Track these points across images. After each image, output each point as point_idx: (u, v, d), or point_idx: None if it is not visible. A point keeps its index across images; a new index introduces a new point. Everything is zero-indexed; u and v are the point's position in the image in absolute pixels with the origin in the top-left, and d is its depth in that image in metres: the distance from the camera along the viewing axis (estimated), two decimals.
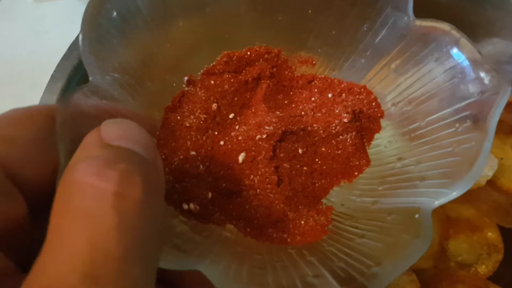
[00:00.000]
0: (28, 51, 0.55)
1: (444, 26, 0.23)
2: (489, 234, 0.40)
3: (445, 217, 0.40)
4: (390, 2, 0.25)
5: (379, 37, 0.26)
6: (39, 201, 0.19)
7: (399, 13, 0.25)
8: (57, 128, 0.19)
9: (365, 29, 0.27)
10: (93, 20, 0.23)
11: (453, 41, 0.23)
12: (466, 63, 0.22)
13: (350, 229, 0.23)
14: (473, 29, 0.43)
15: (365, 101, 0.27)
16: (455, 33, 0.23)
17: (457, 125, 0.22)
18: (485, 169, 0.39)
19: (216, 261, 0.20)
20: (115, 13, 0.23)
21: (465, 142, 0.21)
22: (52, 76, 0.35)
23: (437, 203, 0.20)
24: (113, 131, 0.17)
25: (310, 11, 0.28)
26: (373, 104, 0.26)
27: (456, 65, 0.23)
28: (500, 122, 0.43)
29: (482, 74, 0.22)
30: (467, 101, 0.22)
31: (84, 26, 0.22)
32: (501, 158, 0.41)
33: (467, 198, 0.41)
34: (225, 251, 0.22)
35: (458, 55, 0.23)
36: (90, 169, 0.15)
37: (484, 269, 0.39)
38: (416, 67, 0.25)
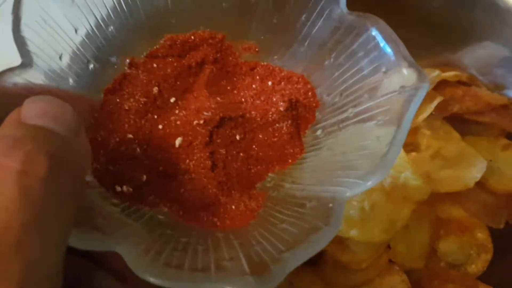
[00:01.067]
0: None
1: (373, 19, 0.24)
2: (479, 234, 0.41)
3: (435, 218, 0.41)
4: None
5: (316, 28, 0.27)
6: None
7: (334, 5, 0.25)
8: None
9: (304, 19, 0.27)
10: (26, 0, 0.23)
11: (380, 35, 0.23)
12: (391, 57, 0.23)
13: (277, 214, 0.24)
14: (464, 33, 0.44)
15: (302, 91, 0.27)
16: (383, 27, 0.23)
17: (379, 118, 0.23)
18: (474, 171, 0.40)
19: (136, 243, 0.20)
20: None
21: (382, 135, 0.22)
22: None
23: (348, 194, 0.21)
24: (32, 109, 0.18)
25: None
26: (309, 94, 0.27)
27: (382, 59, 0.23)
28: (490, 125, 0.43)
29: (404, 70, 0.22)
30: (388, 96, 0.23)
31: (16, 5, 0.22)
32: (490, 160, 0.41)
33: (456, 199, 0.42)
34: (154, 233, 0.23)
35: (384, 50, 0.23)
36: None
37: (473, 268, 0.40)
38: (348, 60, 0.25)
